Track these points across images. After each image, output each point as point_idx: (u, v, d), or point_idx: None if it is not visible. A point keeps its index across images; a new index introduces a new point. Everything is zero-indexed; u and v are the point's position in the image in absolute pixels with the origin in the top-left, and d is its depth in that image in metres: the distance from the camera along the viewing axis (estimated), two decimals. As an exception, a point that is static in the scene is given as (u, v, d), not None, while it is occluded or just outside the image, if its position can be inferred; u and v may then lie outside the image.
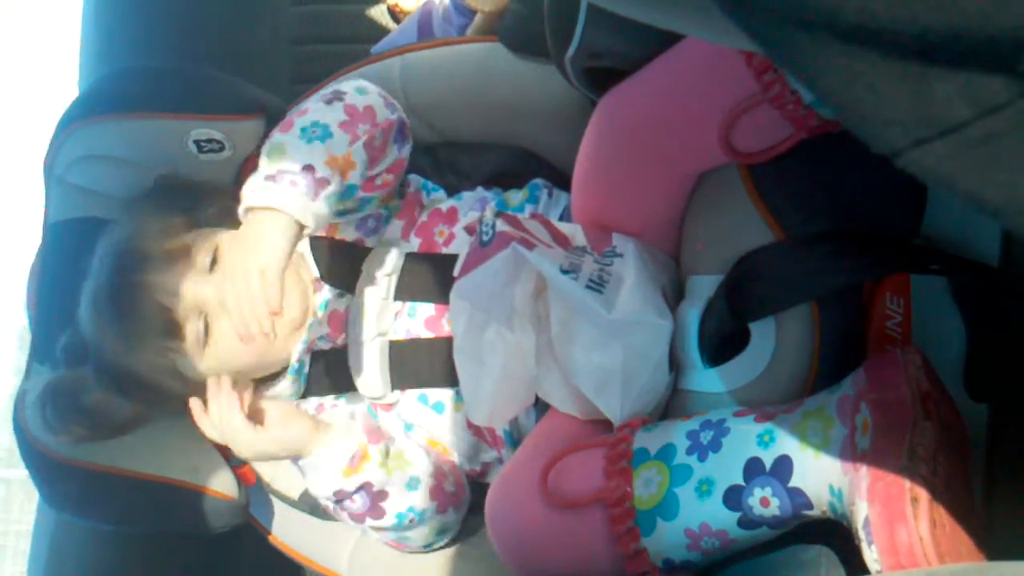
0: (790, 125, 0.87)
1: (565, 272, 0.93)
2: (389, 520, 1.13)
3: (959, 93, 0.39)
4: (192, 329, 1.10)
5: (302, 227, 1.02)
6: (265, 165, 1.05)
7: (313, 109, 1.10)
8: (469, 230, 1.02)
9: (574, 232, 0.99)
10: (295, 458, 1.11)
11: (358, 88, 1.13)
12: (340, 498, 1.11)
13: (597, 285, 0.93)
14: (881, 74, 0.40)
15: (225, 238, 1.12)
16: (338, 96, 1.11)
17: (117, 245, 1.13)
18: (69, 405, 1.17)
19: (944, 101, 0.40)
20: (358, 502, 1.11)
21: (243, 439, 1.07)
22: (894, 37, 0.39)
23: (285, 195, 1.01)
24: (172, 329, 1.10)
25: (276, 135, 1.08)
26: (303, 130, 1.07)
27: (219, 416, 1.06)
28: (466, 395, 1.01)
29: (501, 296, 0.95)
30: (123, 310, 1.10)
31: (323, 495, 1.12)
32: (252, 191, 1.03)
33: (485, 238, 0.98)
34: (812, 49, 0.41)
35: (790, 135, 0.88)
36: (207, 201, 1.19)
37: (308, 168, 1.03)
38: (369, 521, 1.13)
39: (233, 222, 1.08)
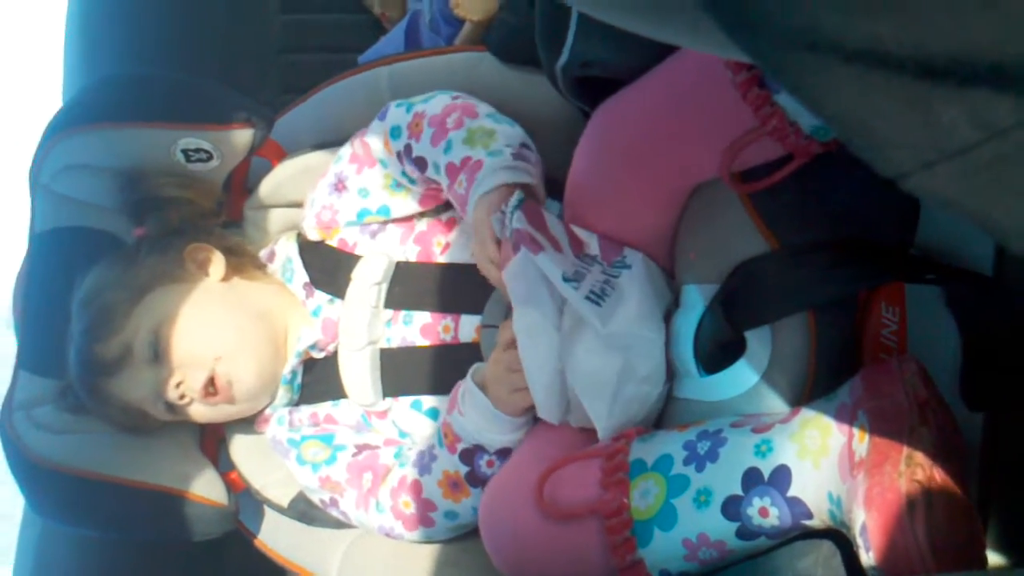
0: (790, 153, 0.87)
1: (567, 280, 0.93)
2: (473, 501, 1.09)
3: (966, 116, 0.39)
4: (157, 411, 1.17)
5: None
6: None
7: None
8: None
9: (589, 240, 1.00)
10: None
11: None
12: (489, 453, 1.06)
13: (597, 297, 0.93)
14: (888, 97, 0.40)
15: (159, 315, 1.14)
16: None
17: (76, 346, 1.16)
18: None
19: (951, 124, 0.39)
20: (495, 465, 1.07)
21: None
22: (901, 61, 0.39)
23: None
24: (142, 419, 1.18)
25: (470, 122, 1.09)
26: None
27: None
28: (531, 382, 1.00)
29: (538, 291, 0.97)
30: (97, 411, 1.19)
31: (493, 443, 1.06)
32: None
33: (507, 232, 0.99)
34: (818, 72, 0.41)
35: (791, 163, 0.87)
36: (171, 208, 1.20)
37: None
38: (461, 498, 1.09)
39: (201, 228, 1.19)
